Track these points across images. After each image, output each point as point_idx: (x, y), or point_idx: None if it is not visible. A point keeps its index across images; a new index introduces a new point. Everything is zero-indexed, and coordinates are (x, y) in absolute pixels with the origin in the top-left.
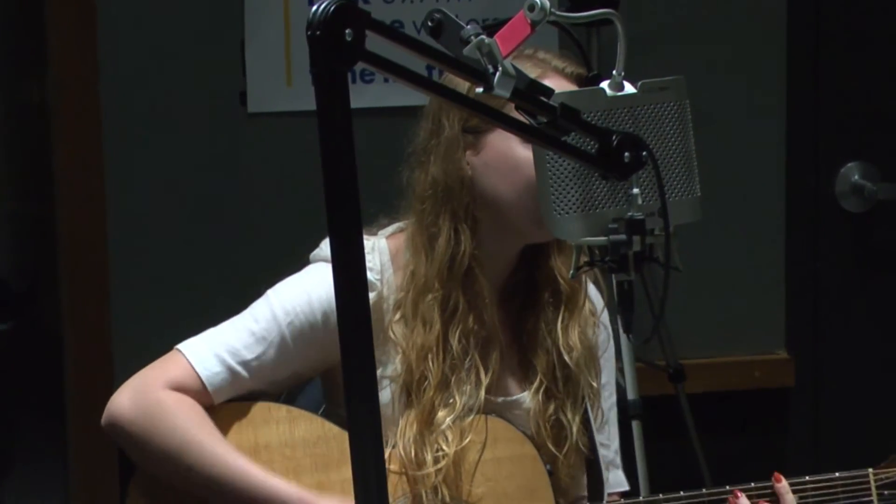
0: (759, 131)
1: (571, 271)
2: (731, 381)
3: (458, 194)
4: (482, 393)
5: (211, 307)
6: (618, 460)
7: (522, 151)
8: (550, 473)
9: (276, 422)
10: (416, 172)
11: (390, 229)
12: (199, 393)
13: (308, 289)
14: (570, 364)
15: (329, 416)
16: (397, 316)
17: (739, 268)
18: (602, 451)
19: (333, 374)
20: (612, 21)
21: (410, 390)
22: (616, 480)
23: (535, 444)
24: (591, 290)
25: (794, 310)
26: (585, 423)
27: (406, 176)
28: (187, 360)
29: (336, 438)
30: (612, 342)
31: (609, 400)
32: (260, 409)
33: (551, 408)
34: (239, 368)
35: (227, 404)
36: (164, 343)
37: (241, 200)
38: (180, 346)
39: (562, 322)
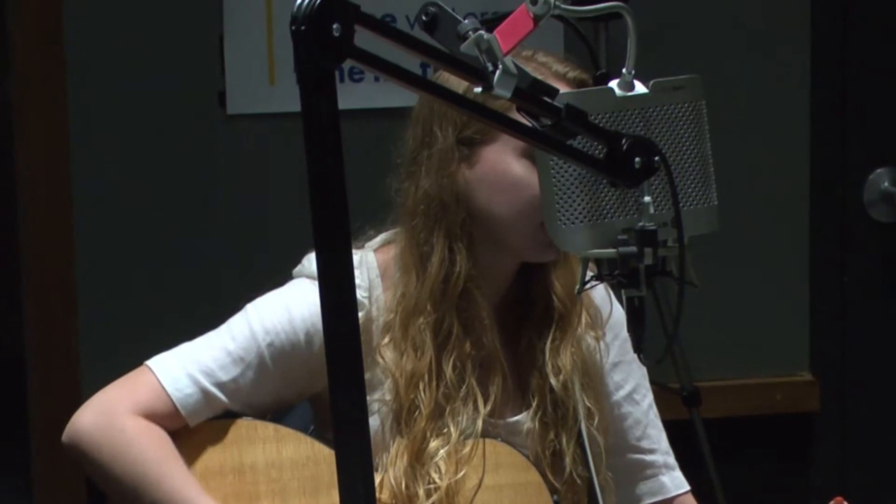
0: (781, 134)
1: (577, 287)
2: (750, 405)
3: (453, 210)
4: (480, 421)
5: (187, 324)
6: (671, 460)
7: (519, 169)
8: None
9: (262, 441)
10: (405, 184)
11: (377, 241)
12: (171, 416)
13: (290, 306)
14: (556, 388)
15: (319, 437)
16: (386, 339)
17: (760, 283)
18: (650, 458)
19: (321, 398)
20: (621, 15)
21: (400, 418)
22: (675, 483)
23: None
24: (600, 294)
25: (819, 328)
26: (582, 450)
27: (394, 187)
28: (158, 379)
29: (327, 460)
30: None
31: (643, 403)
32: (246, 426)
33: (551, 434)
34: (214, 390)
35: (210, 421)
36: (136, 363)
37: (219, 209)
38: (150, 362)
39: (552, 342)
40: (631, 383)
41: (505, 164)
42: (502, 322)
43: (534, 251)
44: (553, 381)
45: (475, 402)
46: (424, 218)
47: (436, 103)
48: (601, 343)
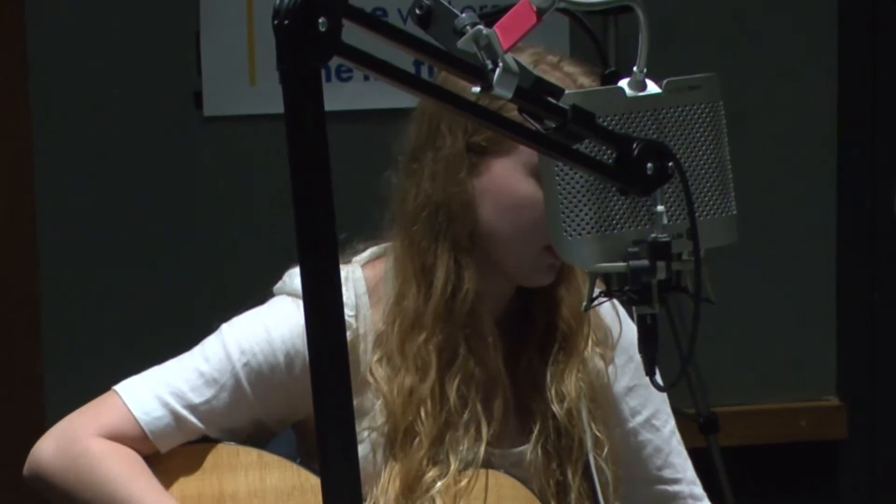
0: (806, 138)
1: (584, 303)
2: (772, 433)
3: (461, 220)
4: (482, 449)
5: (161, 338)
6: (697, 490)
7: (525, 189)
8: None
9: (244, 468)
10: (404, 182)
11: (366, 256)
12: (139, 440)
13: (269, 325)
14: (559, 416)
15: (307, 466)
16: (377, 355)
17: (782, 299)
18: (674, 489)
19: (304, 426)
20: (632, 8)
21: (394, 443)
22: None
23: None
24: (608, 314)
25: (847, 348)
26: (589, 484)
27: (392, 184)
28: (124, 402)
29: (314, 490)
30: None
31: (664, 430)
32: (227, 452)
33: (553, 463)
34: (185, 413)
35: (187, 446)
36: (104, 387)
37: (196, 218)
38: (117, 386)
39: (554, 365)
40: (649, 409)
41: (512, 181)
42: (502, 339)
43: (529, 276)
44: (556, 408)
45: (478, 427)
46: (427, 224)
47: None
48: (610, 367)
